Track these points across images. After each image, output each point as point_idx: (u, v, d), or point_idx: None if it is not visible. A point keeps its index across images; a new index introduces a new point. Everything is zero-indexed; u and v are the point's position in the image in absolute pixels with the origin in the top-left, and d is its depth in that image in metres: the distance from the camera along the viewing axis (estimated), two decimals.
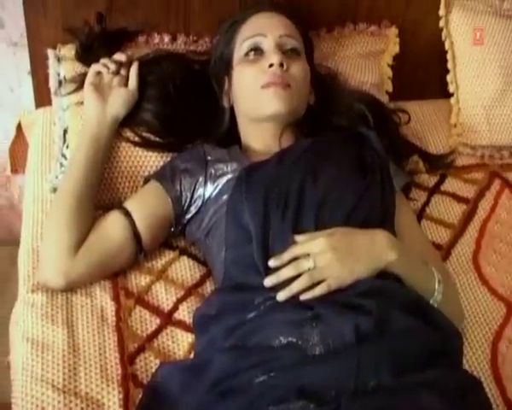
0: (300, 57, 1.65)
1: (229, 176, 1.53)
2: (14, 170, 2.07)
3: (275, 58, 1.57)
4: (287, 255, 1.35)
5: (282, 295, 1.31)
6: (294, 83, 1.58)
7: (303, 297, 1.30)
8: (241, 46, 1.64)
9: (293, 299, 1.31)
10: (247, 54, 1.62)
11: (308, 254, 1.34)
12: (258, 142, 1.64)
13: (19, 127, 2.01)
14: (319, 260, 1.33)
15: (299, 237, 1.37)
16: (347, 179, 1.50)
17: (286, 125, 1.62)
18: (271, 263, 1.35)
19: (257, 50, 1.62)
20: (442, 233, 1.82)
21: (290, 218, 1.40)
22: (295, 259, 1.34)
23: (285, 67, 1.57)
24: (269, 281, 1.33)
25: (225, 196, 1.50)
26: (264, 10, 1.68)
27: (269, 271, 1.35)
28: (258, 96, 1.57)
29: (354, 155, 1.59)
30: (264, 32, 1.62)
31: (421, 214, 1.85)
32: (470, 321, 1.61)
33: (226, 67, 1.68)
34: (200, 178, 1.56)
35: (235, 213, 1.45)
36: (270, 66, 1.57)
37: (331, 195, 1.44)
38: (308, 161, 1.51)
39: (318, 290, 1.30)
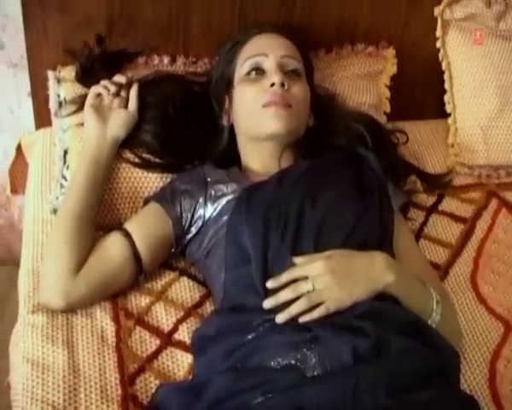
0: (301, 78, 1.67)
1: (229, 197, 1.55)
2: (14, 190, 2.08)
3: (276, 77, 1.59)
4: (285, 277, 1.36)
5: (280, 318, 1.32)
6: (295, 103, 1.60)
7: (302, 320, 1.31)
8: (242, 65, 1.66)
9: (292, 321, 1.32)
10: (248, 73, 1.65)
11: (307, 277, 1.35)
12: (258, 162, 1.66)
13: (19, 148, 2.02)
14: (318, 282, 1.34)
15: (297, 259, 1.38)
16: (346, 201, 1.51)
17: (285, 146, 1.63)
18: (269, 284, 1.36)
19: (258, 70, 1.64)
20: (440, 253, 1.83)
21: (289, 240, 1.41)
22: (294, 281, 1.36)
23: (286, 86, 1.59)
24: (268, 303, 1.34)
25: (225, 217, 1.51)
26: (265, 31, 1.71)
27: (268, 292, 1.36)
28: (259, 115, 1.59)
29: (352, 175, 1.61)
30: (265, 51, 1.65)
31: (419, 234, 1.86)
32: (468, 341, 1.62)
33: (227, 86, 1.70)
34: (201, 199, 1.57)
35: (235, 235, 1.47)
36: (272, 85, 1.59)
37: (330, 217, 1.45)
38: (307, 184, 1.53)
39: (317, 313, 1.31)
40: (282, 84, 1.59)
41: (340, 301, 1.33)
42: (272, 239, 1.42)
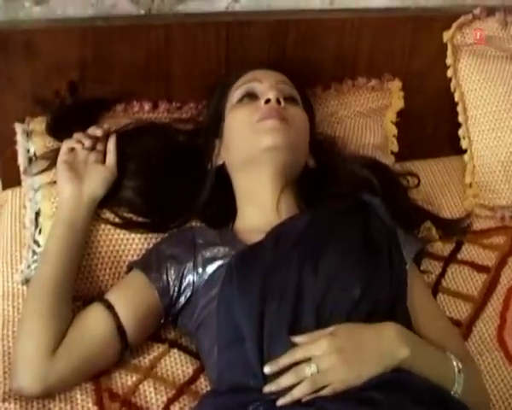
0: (299, 105, 1.71)
1: (220, 262, 1.56)
2: None
3: (271, 93, 1.62)
4: (285, 360, 1.35)
5: (282, 402, 1.32)
6: (292, 121, 1.63)
7: (305, 399, 1.32)
8: (233, 95, 1.71)
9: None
10: (240, 100, 1.69)
11: (309, 358, 1.35)
12: (255, 207, 1.67)
13: None
14: (322, 363, 1.33)
15: (298, 339, 1.38)
16: (351, 264, 1.49)
17: (284, 182, 1.65)
18: (267, 370, 1.35)
19: (251, 95, 1.68)
20: (461, 308, 1.84)
21: (288, 316, 1.40)
22: (295, 363, 1.35)
23: (282, 104, 1.62)
24: (268, 389, 1.34)
25: (216, 288, 1.50)
26: (259, 68, 1.76)
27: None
28: (254, 130, 1.62)
29: (358, 226, 1.59)
30: (259, 78, 1.70)
31: (436, 288, 1.87)
32: (498, 407, 1.61)
33: (217, 124, 1.73)
34: (189, 264, 1.58)
35: (227, 309, 1.46)
36: (267, 102, 1.62)
37: (334, 285, 1.44)
38: (307, 245, 1.51)
39: (322, 395, 1.32)
40: (278, 102, 1.62)
41: (349, 382, 1.32)
42: (268, 314, 1.40)
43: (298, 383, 1.33)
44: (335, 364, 1.34)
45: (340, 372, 1.33)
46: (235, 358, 1.42)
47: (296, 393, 1.32)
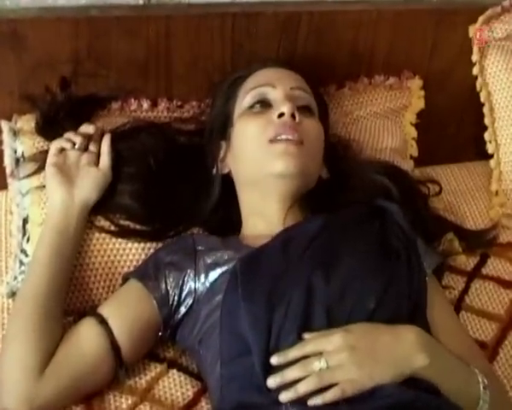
0: (314, 116, 1.71)
1: (224, 268, 1.55)
2: None
3: (285, 107, 1.61)
4: (294, 352, 1.36)
5: (285, 396, 1.32)
6: (307, 140, 1.62)
7: (311, 402, 1.31)
8: (244, 98, 1.70)
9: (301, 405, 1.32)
10: (251, 106, 1.68)
11: (320, 353, 1.35)
12: (260, 219, 1.67)
13: None
14: (332, 359, 1.34)
15: (309, 335, 1.38)
16: (366, 273, 1.49)
17: (294, 199, 1.65)
18: (274, 360, 1.36)
19: (263, 103, 1.68)
20: (486, 328, 1.84)
21: (297, 322, 1.40)
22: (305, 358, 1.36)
23: (297, 119, 1.62)
24: (272, 381, 1.34)
25: (219, 296, 1.50)
26: (271, 65, 1.76)
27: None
28: (265, 152, 1.61)
29: (374, 233, 1.60)
30: (272, 82, 1.69)
31: (459, 305, 1.87)
32: None
33: (224, 127, 1.73)
34: (189, 271, 1.58)
35: (231, 318, 1.46)
36: (280, 116, 1.62)
37: (346, 296, 1.44)
38: (318, 251, 1.52)
39: (330, 395, 1.31)
40: (293, 116, 1.61)
41: (358, 384, 1.33)
42: (276, 324, 1.41)
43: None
44: (346, 362, 1.34)
45: (349, 371, 1.34)
46: (239, 372, 1.42)
47: (301, 388, 1.33)
